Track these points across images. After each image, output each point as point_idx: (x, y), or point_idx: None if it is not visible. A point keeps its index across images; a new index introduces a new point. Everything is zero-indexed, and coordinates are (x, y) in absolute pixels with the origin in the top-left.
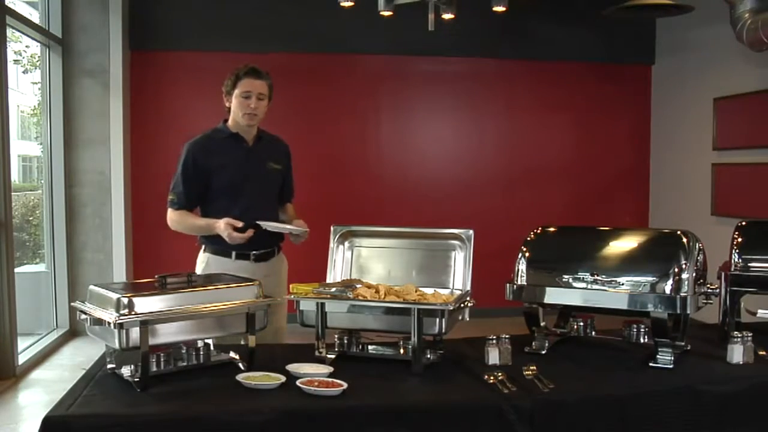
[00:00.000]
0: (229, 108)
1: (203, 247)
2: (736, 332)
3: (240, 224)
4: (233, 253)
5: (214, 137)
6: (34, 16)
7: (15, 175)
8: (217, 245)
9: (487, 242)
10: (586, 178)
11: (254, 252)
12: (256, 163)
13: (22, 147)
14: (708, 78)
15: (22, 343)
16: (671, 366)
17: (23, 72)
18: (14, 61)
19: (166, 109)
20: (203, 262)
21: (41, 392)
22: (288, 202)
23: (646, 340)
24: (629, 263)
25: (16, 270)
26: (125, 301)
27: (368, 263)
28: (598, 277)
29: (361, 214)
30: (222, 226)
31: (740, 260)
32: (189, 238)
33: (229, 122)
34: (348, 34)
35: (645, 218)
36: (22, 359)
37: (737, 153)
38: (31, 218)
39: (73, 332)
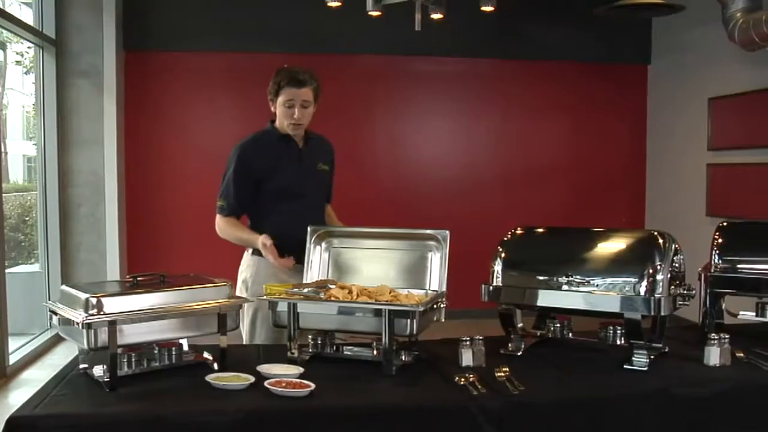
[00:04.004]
0: (275, 111)
1: (252, 249)
2: (713, 334)
3: (269, 243)
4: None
5: (265, 139)
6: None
7: (19, 175)
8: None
9: (485, 242)
10: (581, 178)
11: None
12: (308, 165)
13: (27, 147)
14: (703, 78)
15: (15, 342)
16: (646, 368)
17: (25, 73)
18: (16, 62)
19: (160, 109)
20: (253, 265)
21: (31, 392)
22: (328, 203)
23: (622, 341)
24: (604, 264)
25: (11, 270)
26: (93, 301)
27: (345, 264)
28: (573, 279)
29: (355, 215)
30: (260, 243)
31: (720, 261)
32: (184, 238)
33: (277, 124)
34: (343, 34)
35: (641, 218)
36: (13, 359)
37: (732, 153)
38: (27, 218)
39: None
